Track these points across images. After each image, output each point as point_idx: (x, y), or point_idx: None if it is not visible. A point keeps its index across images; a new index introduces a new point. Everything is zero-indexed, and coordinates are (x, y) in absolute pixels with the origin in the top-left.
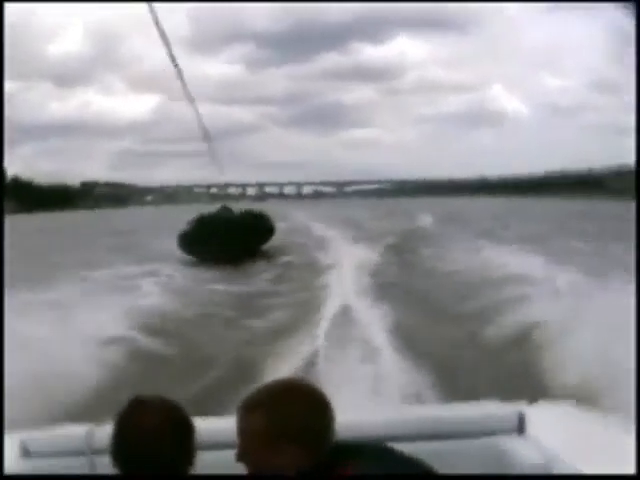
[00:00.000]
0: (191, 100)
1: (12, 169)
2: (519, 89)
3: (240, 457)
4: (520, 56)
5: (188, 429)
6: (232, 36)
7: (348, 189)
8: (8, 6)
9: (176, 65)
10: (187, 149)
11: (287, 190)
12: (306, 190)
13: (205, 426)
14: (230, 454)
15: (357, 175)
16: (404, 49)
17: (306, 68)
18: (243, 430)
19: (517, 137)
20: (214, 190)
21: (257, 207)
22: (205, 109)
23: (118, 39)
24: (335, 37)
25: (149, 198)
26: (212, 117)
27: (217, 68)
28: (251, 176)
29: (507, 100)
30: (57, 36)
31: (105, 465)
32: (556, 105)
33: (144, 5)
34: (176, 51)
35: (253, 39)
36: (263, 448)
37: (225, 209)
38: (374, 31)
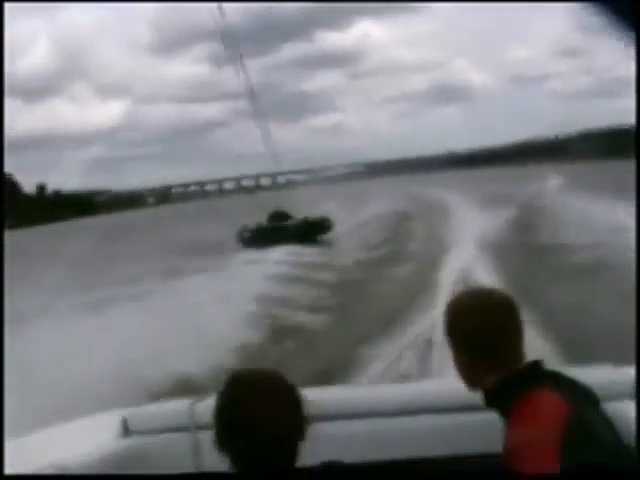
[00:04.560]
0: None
1: None
2: (481, 62)
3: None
4: (478, 30)
5: (296, 399)
6: (196, 35)
7: (320, 175)
8: None
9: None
10: (159, 150)
11: (263, 182)
12: (280, 179)
13: (317, 396)
14: (343, 425)
15: (328, 161)
16: (366, 32)
17: (270, 60)
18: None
19: (484, 110)
20: (193, 188)
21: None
22: (172, 110)
23: (84, 48)
24: (297, 26)
25: (151, 200)
26: (180, 116)
27: (181, 68)
28: (227, 171)
29: (472, 74)
30: (24, 50)
31: (210, 441)
32: (521, 75)
33: (110, 12)
34: (141, 54)
35: (216, 37)
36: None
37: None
38: (335, 17)
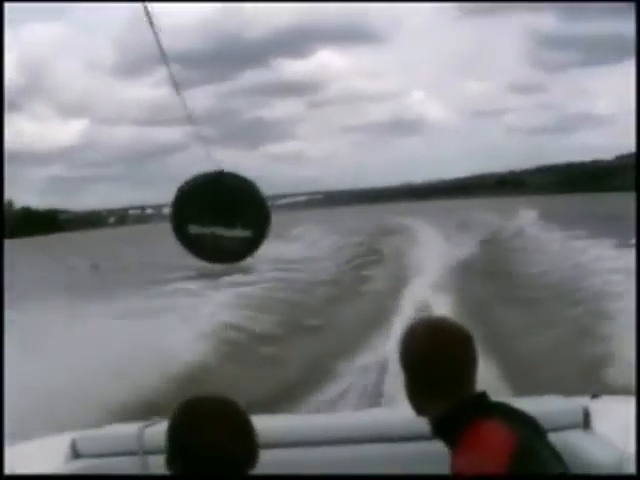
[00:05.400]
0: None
1: None
2: (439, 95)
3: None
4: (438, 63)
5: (248, 427)
6: (157, 59)
7: (277, 202)
8: None
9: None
10: (118, 172)
11: None
12: None
13: (267, 424)
14: (293, 453)
15: (285, 189)
16: (326, 62)
17: (230, 85)
18: None
19: (441, 142)
20: (150, 211)
21: None
22: (131, 132)
23: (46, 66)
24: (258, 54)
25: (111, 220)
26: (139, 139)
27: (142, 91)
28: None
29: (428, 106)
30: None
31: (158, 465)
32: (477, 109)
33: (72, 30)
34: (101, 76)
35: (177, 60)
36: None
37: None
38: (295, 46)
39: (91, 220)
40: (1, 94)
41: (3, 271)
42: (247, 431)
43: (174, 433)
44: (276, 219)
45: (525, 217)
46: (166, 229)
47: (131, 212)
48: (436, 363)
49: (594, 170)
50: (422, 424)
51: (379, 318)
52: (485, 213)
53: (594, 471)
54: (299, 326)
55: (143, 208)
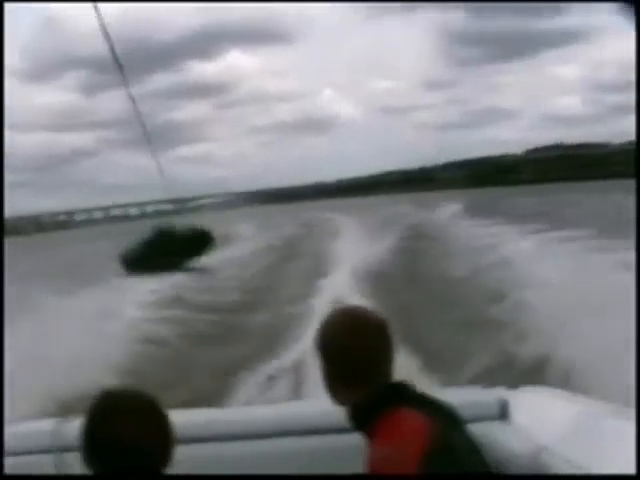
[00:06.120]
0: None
1: None
2: (349, 93)
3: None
4: (348, 62)
5: (163, 422)
6: (65, 63)
7: (190, 204)
8: None
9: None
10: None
11: (132, 211)
12: (149, 209)
13: (184, 419)
14: (213, 447)
15: (196, 191)
16: (235, 63)
17: (139, 89)
18: None
19: (351, 140)
20: (62, 217)
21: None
22: (41, 138)
23: None
24: (166, 56)
25: (30, 228)
26: (49, 145)
27: (51, 96)
28: (94, 201)
29: (338, 105)
30: None
31: (75, 463)
32: (387, 107)
33: None
34: (9, 82)
35: (86, 65)
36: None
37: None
38: (204, 48)
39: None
40: (1, 94)
41: (3, 271)
42: (161, 424)
43: (86, 426)
44: (190, 220)
45: (442, 210)
46: (84, 235)
47: (43, 219)
48: (351, 351)
49: (503, 164)
50: (338, 417)
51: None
52: (397, 207)
53: (511, 462)
54: None
55: (56, 214)
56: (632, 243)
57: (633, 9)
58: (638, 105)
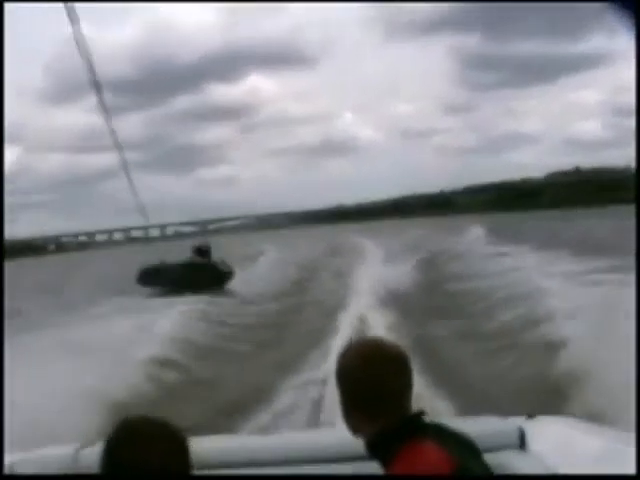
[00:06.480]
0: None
1: None
2: (369, 117)
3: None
4: (367, 85)
5: (182, 447)
6: (88, 85)
7: (211, 227)
8: None
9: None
10: (51, 199)
11: (152, 232)
12: (169, 231)
13: (203, 446)
14: (234, 474)
15: (218, 213)
16: (256, 85)
17: (161, 111)
18: None
19: (371, 163)
20: (82, 238)
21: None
22: (63, 159)
23: None
24: (188, 79)
25: (52, 248)
26: (71, 166)
27: (74, 117)
28: (116, 221)
29: (358, 128)
30: None
31: None
32: (406, 130)
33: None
34: (32, 103)
35: (109, 87)
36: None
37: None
38: (226, 70)
39: (31, 248)
40: (1, 98)
41: (3, 274)
42: (181, 451)
43: (108, 451)
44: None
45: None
46: (103, 256)
47: (64, 239)
48: (370, 383)
49: (524, 188)
50: (359, 444)
51: None
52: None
53: None
54: None
55: (76, 235)
56: None
57: (633, 9)
58: (638, 112)
